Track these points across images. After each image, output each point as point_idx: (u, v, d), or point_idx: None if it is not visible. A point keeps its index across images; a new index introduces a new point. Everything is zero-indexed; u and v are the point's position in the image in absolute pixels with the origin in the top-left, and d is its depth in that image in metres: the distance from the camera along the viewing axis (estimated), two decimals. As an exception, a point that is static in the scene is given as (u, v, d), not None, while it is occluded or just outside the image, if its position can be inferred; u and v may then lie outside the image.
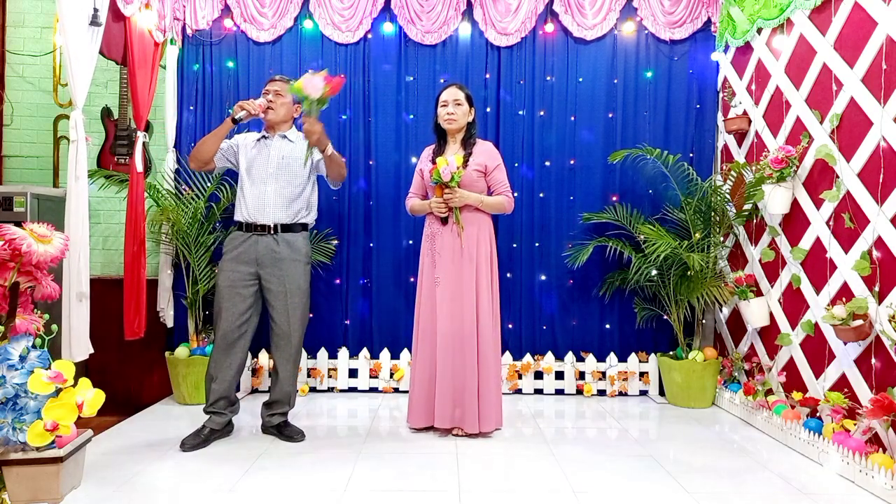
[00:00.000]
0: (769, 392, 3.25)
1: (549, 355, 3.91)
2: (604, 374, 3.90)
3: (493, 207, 3.03)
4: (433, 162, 3.02)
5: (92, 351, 2.81)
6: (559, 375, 3.91)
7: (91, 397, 1.69)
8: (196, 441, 2.77)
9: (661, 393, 3.86)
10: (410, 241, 3.89)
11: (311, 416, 3.36)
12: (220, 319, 2.85)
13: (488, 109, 3.92)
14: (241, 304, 2.84)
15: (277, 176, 2.90)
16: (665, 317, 3.83)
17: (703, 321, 3.82)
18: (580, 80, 3.92)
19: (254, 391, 3.86)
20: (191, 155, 2.92)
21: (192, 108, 3.89)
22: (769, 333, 3.34)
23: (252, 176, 2.92)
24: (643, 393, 3.91)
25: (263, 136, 2.97)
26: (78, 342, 2.72)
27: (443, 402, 2.93)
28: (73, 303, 2.71)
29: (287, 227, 2.89)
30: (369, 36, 3.92)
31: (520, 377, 3.90)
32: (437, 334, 2.95)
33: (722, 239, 3.68)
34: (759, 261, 3.41)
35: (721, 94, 3.91)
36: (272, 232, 2.87)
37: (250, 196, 2.89)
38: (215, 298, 2.89)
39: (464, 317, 2.92)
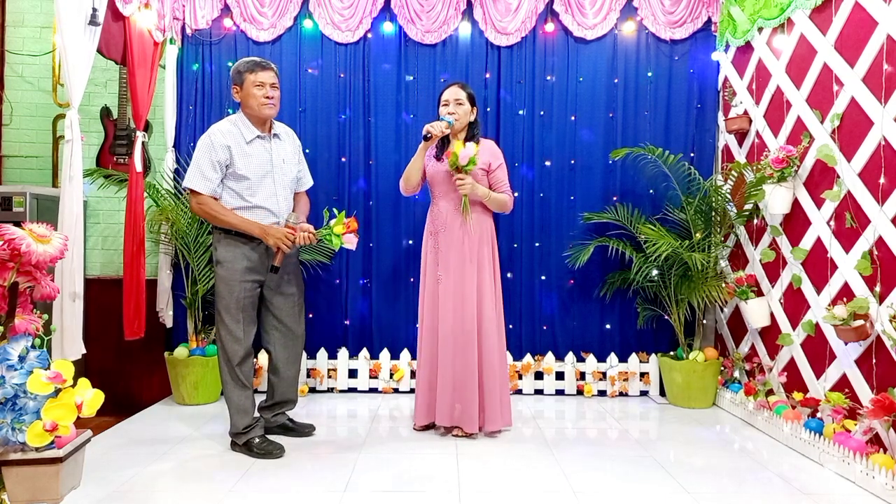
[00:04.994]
0: (770, 392, 3.25)
1: (550, 355, 3.91)
2: (604, 374, 3.89)
3: (497, 204, 3.02)
4: (436, 158, 3.01)
5: (84, 351, 2.78)
6: (559, 376, 3.90)
7: (90, 397, 1.69)
8: (274, 445, 2.73)
9: (662, 393, 3.85)
10: (410, 241, 3.89)
11: (310, 417, 3.35)
12: (242, 333, 2.71)
13: (488, 109, 3.91)
14: (254, 313, 2.80)
15: (284, 180, 2.81)
16: (666, 317, 3.82)
17: (704, 321, 3.81)
18: (580, 79, 3.92)
19: (253, 391, 3.85)
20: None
21: (191, 107, 3.88)
22: (770, 333, 3.33)
23: (267, 180, 2.73)
24: (644, 393, 3.90)
25: (258, 136, 2.74)
26: (71, 342, 2.70)
27: (443, 399, 2.94)
28: (67, 303, 2.70)
29: None
30: (369, 35, 3.91)
31: (520, 377, 3.89)
32: (438, 332, 2.96)
33: (723, 239, 3.67)
34: (760, 261, 3.41)
35: (721, 94, 3.90)
36: None
37: (268, 202, 2.72)
38: (234, 314, 2.69)
39: (465, 314, 2.92)
